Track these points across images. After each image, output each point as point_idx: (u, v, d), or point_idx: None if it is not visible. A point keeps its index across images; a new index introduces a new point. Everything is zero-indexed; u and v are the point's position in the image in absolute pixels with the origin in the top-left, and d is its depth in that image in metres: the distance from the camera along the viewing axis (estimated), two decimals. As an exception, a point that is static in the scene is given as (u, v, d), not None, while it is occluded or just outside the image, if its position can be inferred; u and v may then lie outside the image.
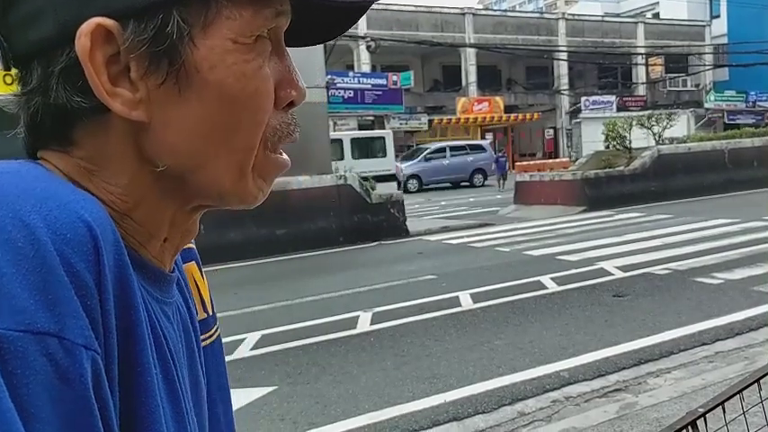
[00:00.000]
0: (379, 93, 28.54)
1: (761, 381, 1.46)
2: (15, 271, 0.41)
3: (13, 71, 0.53)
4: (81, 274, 0.43)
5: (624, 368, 4.55)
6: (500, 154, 27.09)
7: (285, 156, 0.58)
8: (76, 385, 0.41)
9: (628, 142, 17.18)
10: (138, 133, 0.51)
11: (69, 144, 0.52)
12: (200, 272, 0.70)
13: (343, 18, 0.59)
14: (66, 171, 0.51)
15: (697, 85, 40.19)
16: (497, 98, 33.82)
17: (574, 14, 40.03)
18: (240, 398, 4.26)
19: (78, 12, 0.48)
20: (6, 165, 0.48)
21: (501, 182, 24.18)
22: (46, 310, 0.41)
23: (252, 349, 5.52)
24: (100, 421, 0.43)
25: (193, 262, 0.69)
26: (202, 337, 0.66)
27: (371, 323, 6.15)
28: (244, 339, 5.71)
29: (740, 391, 1.41)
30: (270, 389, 4.57)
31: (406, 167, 25.86)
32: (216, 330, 0.70)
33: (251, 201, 0.56)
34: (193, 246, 0.69)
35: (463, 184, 27.18)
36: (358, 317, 6.35)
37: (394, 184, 20.70)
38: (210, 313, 0.69)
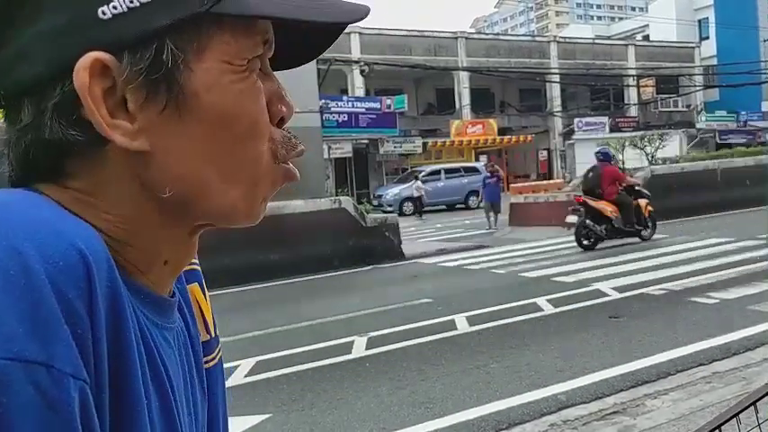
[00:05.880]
0: (374, 116, 28.72)
1: (757, 403, 1.44)
2: (6, 298, 0.41)
3: None
4: (72, 302, 0.43)
5: (622, 390, 4.51)
6: (488, 174, 18.69)
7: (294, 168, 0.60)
8: (63, 414, 0.41)
9: (621, 163, 17.29)
10: (139, 162, 0.52)
11: (64, 177, 0.52)
12: (204, 294, 0.70)
13: (322, 39, 0.61)
14: (61, 201, 0.51)
15: (688, 106, 40.54)
16: (491, 120, 34.04)
17: (565, 37, 40.57)
18: (235, 426, 4.20)
19: (69, 49, 0.49)
20: (1, 193, 0.49)
21: (490, 215, 17.11)
22: (35, 338, 0.41)
23: (246, 376, 5.46)
24: None
25: (196, 283, 0.69)
26: (205, 359, 0.67)
27: (367, 348, 6.10)
28: (238, 366, 5.65)
29: (737, 414, 1.39)
30: (264, 416, 4.51)
31: (401, 190, 25.93)
32: (218, 352, 0.70)
33: (255, 217, 0.57)
34: (198, 267, 0.69)
35: (458, 206, 27.24)
36: (353, 342, 6.31)
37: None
38: (213, 335, 0.70)
